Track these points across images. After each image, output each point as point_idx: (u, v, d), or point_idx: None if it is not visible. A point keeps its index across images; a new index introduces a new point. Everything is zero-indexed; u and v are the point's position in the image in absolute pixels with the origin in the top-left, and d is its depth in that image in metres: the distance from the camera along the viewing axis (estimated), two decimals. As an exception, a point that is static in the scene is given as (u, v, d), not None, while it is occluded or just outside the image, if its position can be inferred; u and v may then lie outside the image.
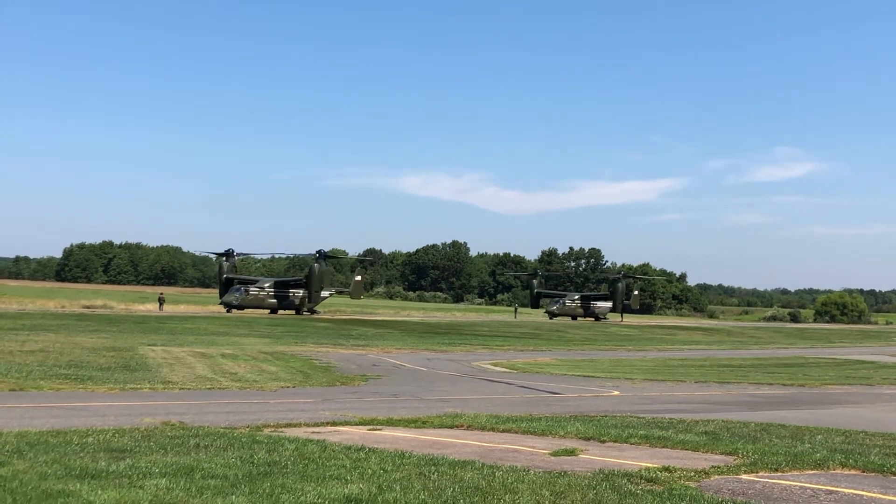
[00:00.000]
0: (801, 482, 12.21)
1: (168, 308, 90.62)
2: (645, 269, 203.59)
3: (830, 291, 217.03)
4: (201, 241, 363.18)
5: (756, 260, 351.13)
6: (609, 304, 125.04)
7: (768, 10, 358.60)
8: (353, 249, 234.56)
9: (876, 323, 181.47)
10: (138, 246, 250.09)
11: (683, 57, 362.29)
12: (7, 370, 28.54)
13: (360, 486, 10.90)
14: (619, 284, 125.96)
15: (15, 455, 12.40)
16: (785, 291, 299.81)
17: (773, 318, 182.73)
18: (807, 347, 79.43)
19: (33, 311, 74.46)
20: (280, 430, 16.67)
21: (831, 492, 11.62)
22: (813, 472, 13.17)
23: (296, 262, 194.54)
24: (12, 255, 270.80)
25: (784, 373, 43.57)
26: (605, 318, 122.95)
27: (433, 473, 11.91)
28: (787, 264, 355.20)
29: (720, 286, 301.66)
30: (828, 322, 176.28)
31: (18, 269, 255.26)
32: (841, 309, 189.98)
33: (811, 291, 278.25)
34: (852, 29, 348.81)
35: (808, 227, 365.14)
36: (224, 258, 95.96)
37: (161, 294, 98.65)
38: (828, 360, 58.02)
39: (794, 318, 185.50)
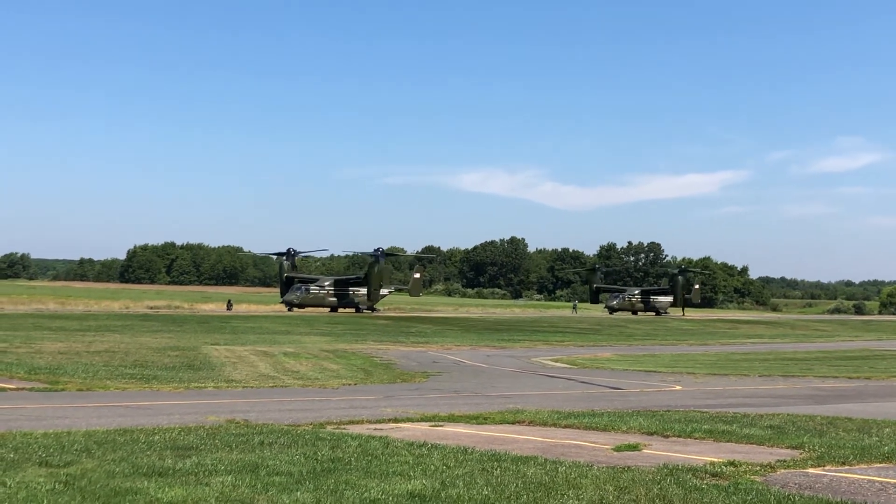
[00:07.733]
0: (869, 475, 12.04)
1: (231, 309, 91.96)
2: (706, 262, 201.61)
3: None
4: (262, 240, 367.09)
5: (819, 252, 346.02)
6: (669, 299, 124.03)
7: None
8: (412, 247, 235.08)
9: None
10: (200, 246, 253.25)
11: (741, 46, 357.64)
12: (74, 370, 29.06)
13: (424, 481, 10.93)
14: (680, 278, 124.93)
15: (83, 454, 12.58)
16: (849, 283, 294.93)
17: (838, 311, 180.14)
18: (872, 340, 78.07)
19: (98, 313, 75.83)
20: (343, 427, 16.76)
21: (901, 486, 11.43)
22: (881, 465, 12.98)
23: (355, 260, 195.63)
24: (77, 258, 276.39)
25: (849, 366, 42.90)
26: (665, 313, 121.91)
27: (496, 469, 11.90)
28: (851, 256, 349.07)
29: (783, 279, 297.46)
30: (893, 314, 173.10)
31: (83, 271, 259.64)
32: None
33: (876, 283, 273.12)
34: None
35: (873, 218, 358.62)
36: (284, 257, 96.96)
37: (230, 300, 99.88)
38: (894, 352, 57.02)
39: (859, 311, 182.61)
